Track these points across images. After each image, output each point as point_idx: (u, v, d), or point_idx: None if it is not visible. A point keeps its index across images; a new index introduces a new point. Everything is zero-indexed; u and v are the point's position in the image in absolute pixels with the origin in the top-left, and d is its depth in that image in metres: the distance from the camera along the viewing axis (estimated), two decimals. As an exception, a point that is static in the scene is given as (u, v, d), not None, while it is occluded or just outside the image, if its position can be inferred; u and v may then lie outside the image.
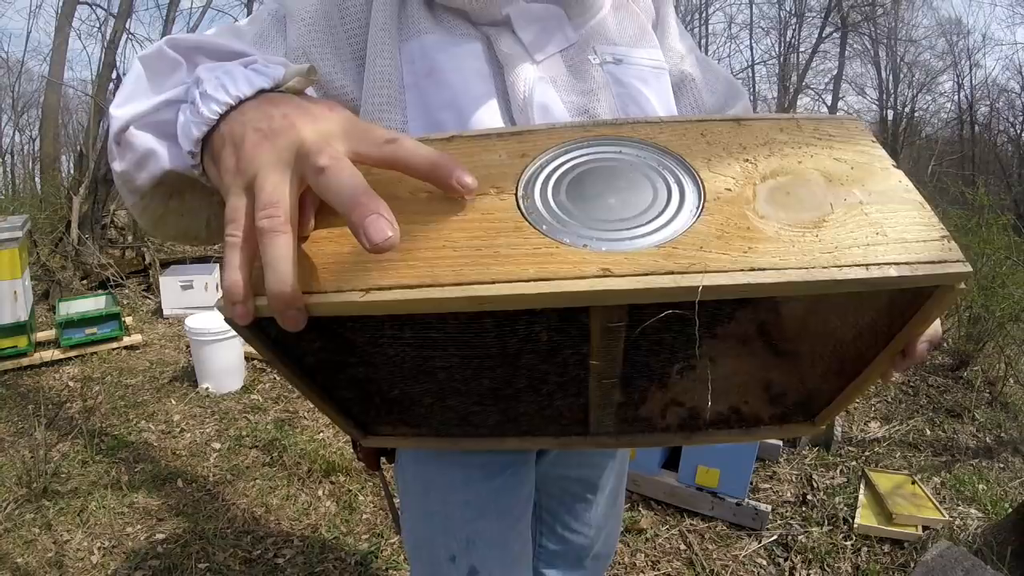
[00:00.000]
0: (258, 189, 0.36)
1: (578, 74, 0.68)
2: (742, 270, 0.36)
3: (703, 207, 0.40)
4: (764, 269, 0.36)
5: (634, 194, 0.42)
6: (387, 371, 0.52)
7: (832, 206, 0.40)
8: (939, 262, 0.37)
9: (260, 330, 0.43)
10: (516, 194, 0.42)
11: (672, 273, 0.36)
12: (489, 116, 0.63)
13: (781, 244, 0.38)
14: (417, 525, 0.80)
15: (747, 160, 0.44)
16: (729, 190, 0.42)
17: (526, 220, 0.40)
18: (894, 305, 0.43)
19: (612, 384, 0.52)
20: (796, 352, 0.52)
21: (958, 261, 0.37)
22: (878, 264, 0.37)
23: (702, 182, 0.42)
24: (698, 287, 0.35)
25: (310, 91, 0.49)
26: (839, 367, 0.51)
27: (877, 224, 0.39)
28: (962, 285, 0.38)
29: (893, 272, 0.36)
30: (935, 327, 0.45)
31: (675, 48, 0.80)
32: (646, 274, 0.36)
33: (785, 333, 0.49)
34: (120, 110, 0.48)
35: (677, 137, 0.46)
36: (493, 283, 0.36)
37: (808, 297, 0.44)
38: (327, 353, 0.49)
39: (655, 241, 0.38)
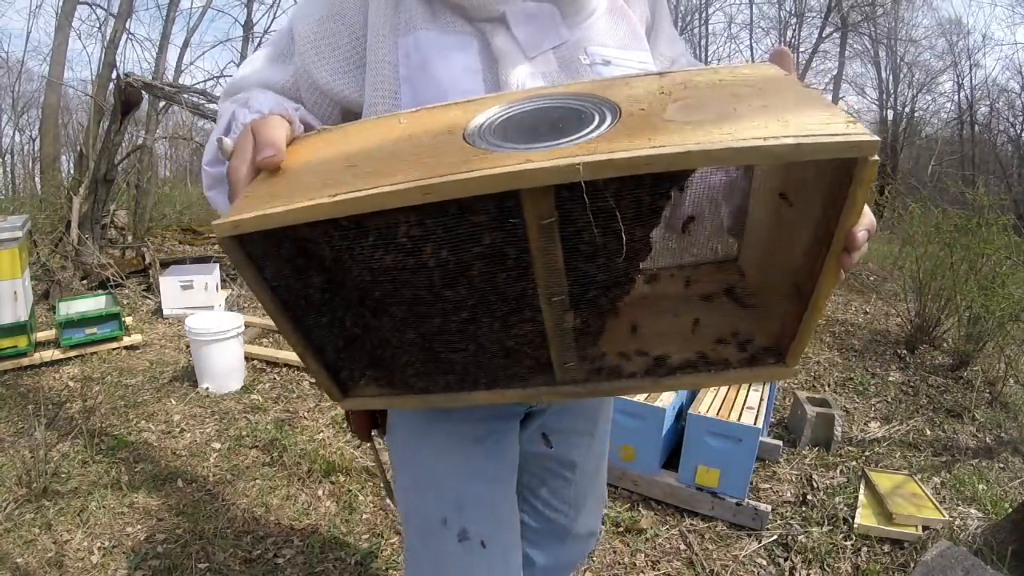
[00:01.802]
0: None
1: (569, 72, 0.71)
2: (644, 148, 0.41)
3: (619, 121, 0.46)
4: (665, 147, 0.40)
5: (563, 122, 0.48)
6: (356, 296, 0.58)
7: (736, 109, 0.44)
8: (842, 135, 0.39)
9: (248, 256, 0.51)
10: (464, 132, 0.50)
11: (581, 156, 0.42)
12: None
13: (684, 133, 0.42)
14: (409, 492, 0.84)
15: (663, 93, 0.50)
16: (643, 110, 0.47)
17: (467, 143, 0.48)
18: (826, 208, 0.47)
19: (561, 302, 0.55)
20: (755, 291, 0.59)
21: (863, 134, 0.39)
22: (776, 137, 0.39)
23: (620, 109, 0.48)
24: (606, 160, 0.41)
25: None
26: (794, 290, 0.55)
27: (782, 119, 0.41)
28: (875, 157, 0.40)
29: (790, 141, 0.39)
30: (868, 217, 0.48)
31: (666, 54, 0.84)
32: (559, 158, 0.42)
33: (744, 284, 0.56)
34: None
35: (604, 88, 0.53)
36: (433, 176, 0.43)
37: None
38: (302, 277, 0.56)
39: (574, 143, 0.45)
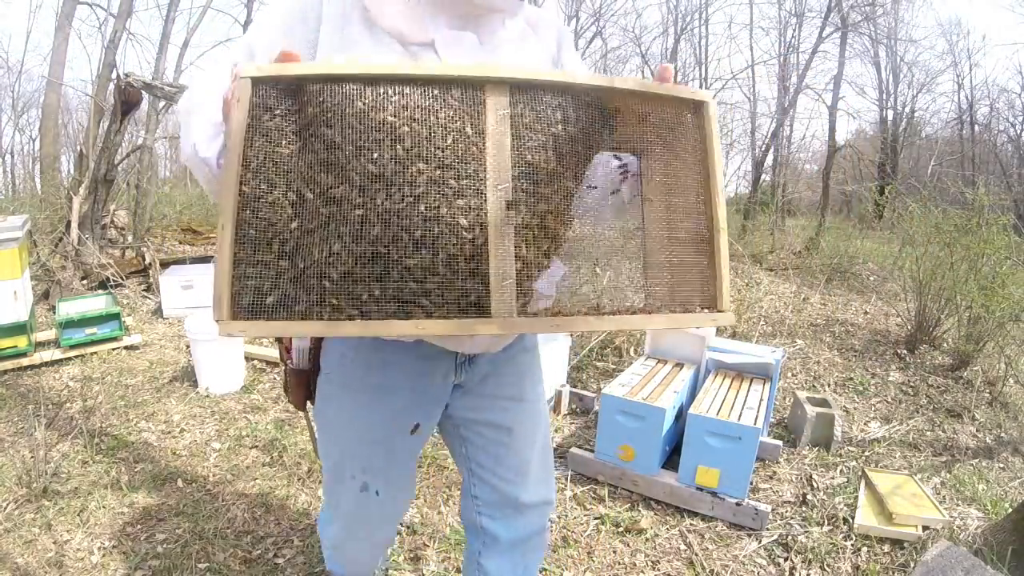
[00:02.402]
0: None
1: None
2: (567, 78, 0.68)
3: None
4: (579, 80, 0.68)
5: None
6: (315, 169, 0.64)
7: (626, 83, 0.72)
8: (688, 89, 0.70)
9: (251, 101, 0.61)
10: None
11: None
12: None
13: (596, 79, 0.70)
14: (329, 450, 1.09)
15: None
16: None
17: None
18: (699, 168, 0.73)
19: (505, 191, 0.64)
20: (671, 262, 0.74)
21: (702, 90, 0.69)
22: (647, 84, 0.70)
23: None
24: (537, 74, 0.67)
25: None
26: (701, 241, 0.73)
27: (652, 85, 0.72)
28: (711, 101, 0.70)
29: (655, 85, 0.70)
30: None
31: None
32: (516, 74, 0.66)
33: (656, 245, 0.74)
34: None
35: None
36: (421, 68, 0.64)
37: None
38: (277, 137, 0.64)
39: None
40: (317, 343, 1.07)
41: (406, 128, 0.62)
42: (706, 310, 0.70)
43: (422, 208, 0.63)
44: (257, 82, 0.61)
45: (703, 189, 0.72)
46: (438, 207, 0.63)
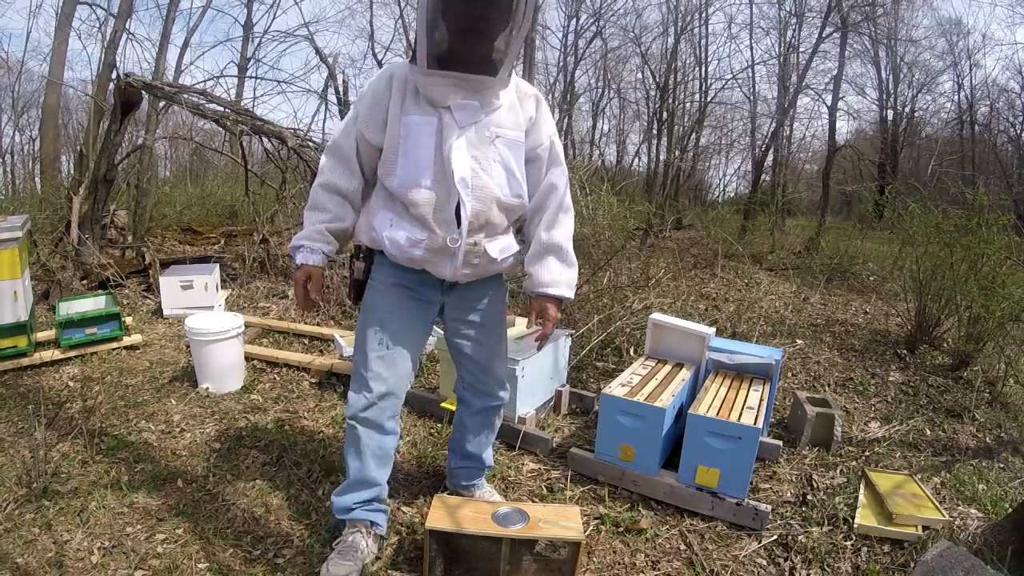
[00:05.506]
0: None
1: (479, 137, 1.50)
2: (533, 533, 1.62)
3: (528, 523, 1.65)
4: (539, 533, 1.61)
5: (515, 519, 1.66)
6: (456, 558, 1.66)
7: (555, 521, 1.66)
8: (574, 535, 1.61)
9: (432, 538, 1.62)
10: (493, 515, 1.67)
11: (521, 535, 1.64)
12: (426, 154, 1.47)
13: (545, 530, 1.62)
14: (365, 322, 1.66)
15: (539, 518, 1.69)
16: (538, 520, 1.67)
17: (493, 522, 1.64)
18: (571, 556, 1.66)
19: (505, 559, 1.61)
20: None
21: (580, 535, 1.61)
22: (558, 535, 1.63)
23: (530, 517, 1.66)
24: (523, 535, 1.63)
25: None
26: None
27: (566, 525, 1.64)
28: (584, 540, 1.63)
29: (562, 533, 1.62)
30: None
31: (539, 140, 1.62)
32: (513, 533, 1.61)
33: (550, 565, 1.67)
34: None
35: (526, 507, 1.71)
36: (488, 528, 1.62)
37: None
38: (441, 551, 1.65)
39: (517, 527, 1.63)
40: (368, 265, 1.67)
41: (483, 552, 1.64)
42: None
43: (484, 565, 1.66)
44: (432, 532, 1.59)
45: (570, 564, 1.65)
46: (491, 564, 1.64)
